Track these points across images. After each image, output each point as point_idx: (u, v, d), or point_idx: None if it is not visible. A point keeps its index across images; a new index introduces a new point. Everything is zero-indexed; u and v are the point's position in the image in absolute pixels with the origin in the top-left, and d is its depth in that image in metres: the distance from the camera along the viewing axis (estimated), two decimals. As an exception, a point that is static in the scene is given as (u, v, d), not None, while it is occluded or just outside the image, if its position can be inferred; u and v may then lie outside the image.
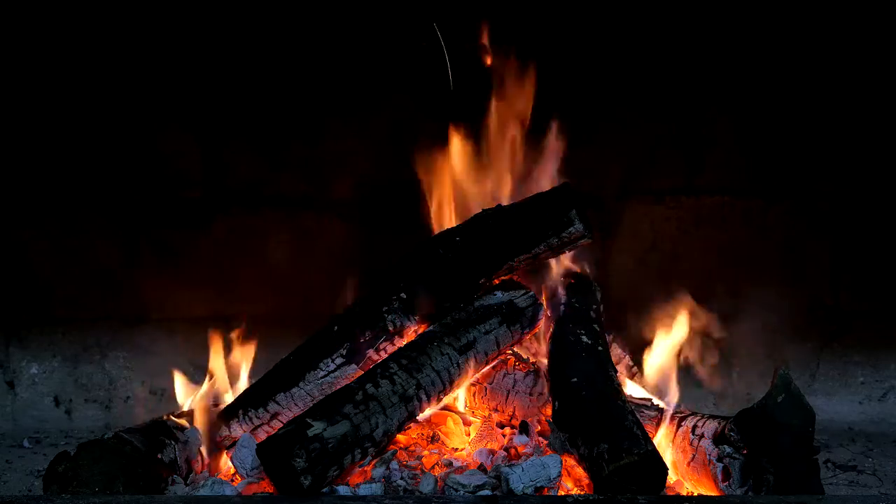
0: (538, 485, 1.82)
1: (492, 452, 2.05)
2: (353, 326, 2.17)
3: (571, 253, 2.31)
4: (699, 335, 2.43)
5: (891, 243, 3.02)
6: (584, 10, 2.89)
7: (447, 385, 2.03)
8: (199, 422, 2.11)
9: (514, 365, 2.22)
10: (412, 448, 2.07)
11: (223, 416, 2.17)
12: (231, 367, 2.32)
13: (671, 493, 1.92)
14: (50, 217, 2.96)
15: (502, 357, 2.21)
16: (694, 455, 1.92)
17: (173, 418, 2.11)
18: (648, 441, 1.80)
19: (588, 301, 2.31)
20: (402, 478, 1.91)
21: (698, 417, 2.00)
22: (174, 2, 2.87)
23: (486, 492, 1.82)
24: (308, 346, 2.21)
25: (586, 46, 2.91)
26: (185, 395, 2.27)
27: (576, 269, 2.42)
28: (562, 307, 2.28)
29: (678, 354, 2.29)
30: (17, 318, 3.00)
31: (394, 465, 1.94)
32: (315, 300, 2.78)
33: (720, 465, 1.83)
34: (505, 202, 2.28)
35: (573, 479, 1.92)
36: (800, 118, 2.98)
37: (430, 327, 2.13)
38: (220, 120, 2.96)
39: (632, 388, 2.29)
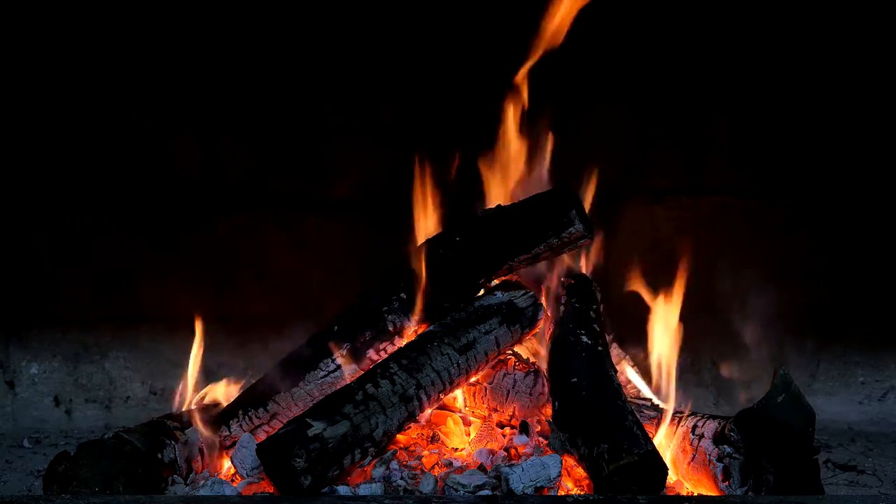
0: (538, 485, 1.82)
1: (492, 452, 2.05)
2: (353, 326, 2.17)
3: (571, 253, 2.31)
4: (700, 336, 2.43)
5: (891, 243, 3.02)
6: (587, 10, 2.89)
7: (447, 385, 2.03)
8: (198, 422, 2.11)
9: (514, 365, 2.22)
10: (412, 448, 2.07)
11: (223, 416, 2.17)
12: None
13: (671, 493, 1.92)
14: (50, 217, 2.96)
15: (502, 357, 2.21)
16: (694, 455, 1.92)
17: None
18: (648, 441, 1.80)
19: (588, 301, 2.31)
20: (402, 478, 1.91)
21: (698, 417, 2.00)
22: (175, 3, 2.87)
23: (486, 492, 1.82)
24: (308, 345, 2.21)
25: (587, 45, 2.91)
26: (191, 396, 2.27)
27: (576, 269, 2.42)
28: (562, 307, 2.28)
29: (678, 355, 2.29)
30: (17, 318, 3.00)
31: (394, 465, 1.94)
32: (315, 300, 2.78)
33: (720, 465, 1.83)
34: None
35: (573, 479, 1.92)
36: (800, 118, 2.98)
37: (430, 327, 2.13)
38: (220, 120, 2.96)
39: (632, 389, 2.29)
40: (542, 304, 2.24)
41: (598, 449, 1.78)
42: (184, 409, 2.22)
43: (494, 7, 2.84)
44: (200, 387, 2.28)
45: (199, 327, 2.32)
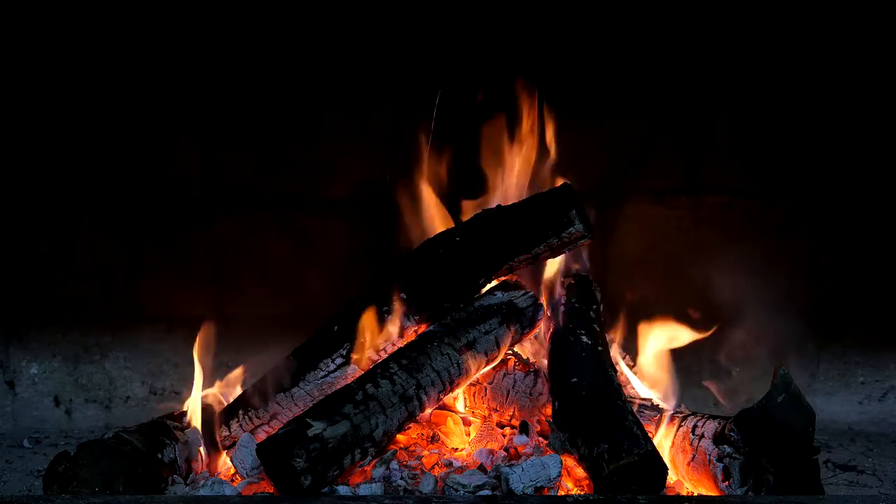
0: (538, 485, 1.82)
1: (492, 452, 2.05)
2: (353, 326, 2.17)
3: (571, 253, 2.31)
4: (699, 336, 2.43)
5: (891, 243, 3.02)
6: (587, 9, 2.89)
7: (447, 385, 2.03)
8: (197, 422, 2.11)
9: (514, 365, 2.23)
10: (412, 448, 2.07)
11: (223, 416, 2.17)
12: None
13: (671, 493, 1.92)
14: (50, 217, 2.95)
15: (502, 357, 2.21)
16: (694, 455, 1.92)
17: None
18: (648, 441, 1.80)
19: (588, 301, 2.31)
20: (402, 478, 1.91)
21: (698, 417, 2.00)
22: (175, 4, 2.86)
23: (486, 492, 1.82)
24: (308, 346, 2.21)
25: (587, 45, 2.91)
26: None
27: (576, 269, 2.42)
28: (562, 307, 2.28)
29: (673, 355, 2.29)
30: (17, 318, 3.00)
31: (394, 465, 1.94)
32: (315, 300, 2.78)
33: (720, 465, 1.83)
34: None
35: (573, 479, 1.93)
36: (800, 118, 2.98)
37: (430, 327, 2.13)
38: (220, 120, 2.95)
39: (632, 388, 2.29)
40: (542, 304, 2.24)
41: (598, 449, 1.78)
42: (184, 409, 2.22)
43: (497, 11, 2.85)
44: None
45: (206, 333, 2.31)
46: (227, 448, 2.14)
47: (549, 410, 2.08)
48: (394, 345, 2.16)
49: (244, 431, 2.12)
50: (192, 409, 2.14)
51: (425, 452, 2.05)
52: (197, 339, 2.24)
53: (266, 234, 3.00)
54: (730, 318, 2.71)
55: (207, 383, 2.24)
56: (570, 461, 1.92)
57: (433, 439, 2.13)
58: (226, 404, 2.23)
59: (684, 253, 3.01)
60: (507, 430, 2.19)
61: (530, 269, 2.32)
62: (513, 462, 1.96)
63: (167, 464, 1.95)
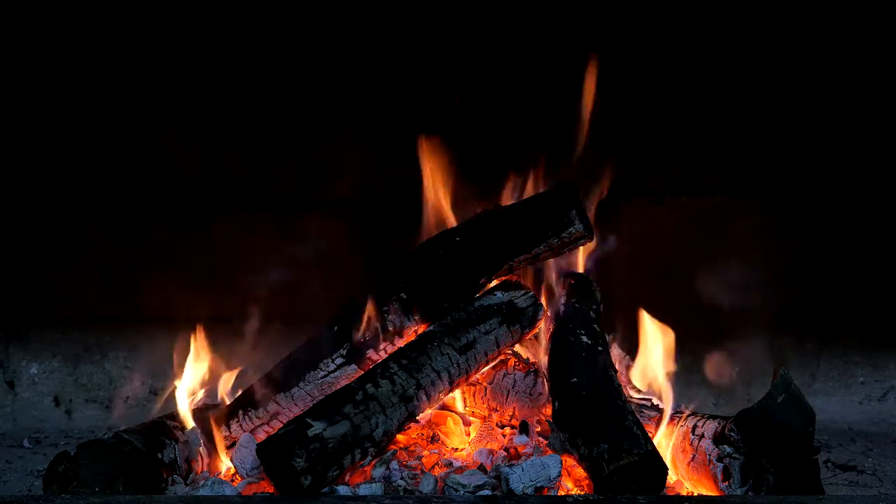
0: (538, 485, 1.82)
1: (492, 452, 2.05)
2: (353, 326, 2.17)
3: (571, 253, 2.30)
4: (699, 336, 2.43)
5: (890, 243, 3.02)
6: (587, 10, 2.89)
7: (447, 385, 2.03)
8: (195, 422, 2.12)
9: (514, 365, 2.23)
10: (412, 448, 2.07)
11: (223, 416, 2.17)
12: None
13: (671, 493, 1.92)
14: (50, 217, 2.96)
15: (502, 357, 2.21)
16: (694, 455, 1.92)
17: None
18: (648, 441, 1.80)
19: (588, 301, 2.31)
20: (402, 478, 1.91)
21: (698, 417, 2.00)
22: (176, 5, 2.86)
23: (486, 492, 1.82)
24: (308, 345, 2.21)
25: (587, 47, 2.91)
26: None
27: (576, 269, 2.42)
28: (562, 307, 2.28)
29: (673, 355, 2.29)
30: (17, 318, 3.00)
31: (394, 465, 1.94)
32: (315, 300, 2.78)
33: (720, 465, 1.83)
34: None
35: (573, 479, 1.93)
36: (801, 119, 2.98)
37: (430, 327, 2.13)
38: (220, 120, 2.95)
39: (632, 388, 2.29)
40: (542, 304, 2.24)
41: (598, 449, 1.78)
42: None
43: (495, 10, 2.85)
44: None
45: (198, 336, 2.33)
46: (228, 448, 2.14)
47: (549, 410, 2.08)
48: (394, 345, 2.16)
49: (244, 431, 2.12)
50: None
51: (425, 452, 2.05)
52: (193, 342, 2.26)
53: (266, 234, 3.00)
54: (730, 318, 2.71)
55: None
56: (570, 461, 1.92)
57: (433, 439, 2.13)
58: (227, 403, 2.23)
59: (685, 253, 3.01)
60: (507, 430, 2.19)
61: (530, 269, 2.32)
62: (513, 462, 1.96)
63: (167, 464, 1.95)
